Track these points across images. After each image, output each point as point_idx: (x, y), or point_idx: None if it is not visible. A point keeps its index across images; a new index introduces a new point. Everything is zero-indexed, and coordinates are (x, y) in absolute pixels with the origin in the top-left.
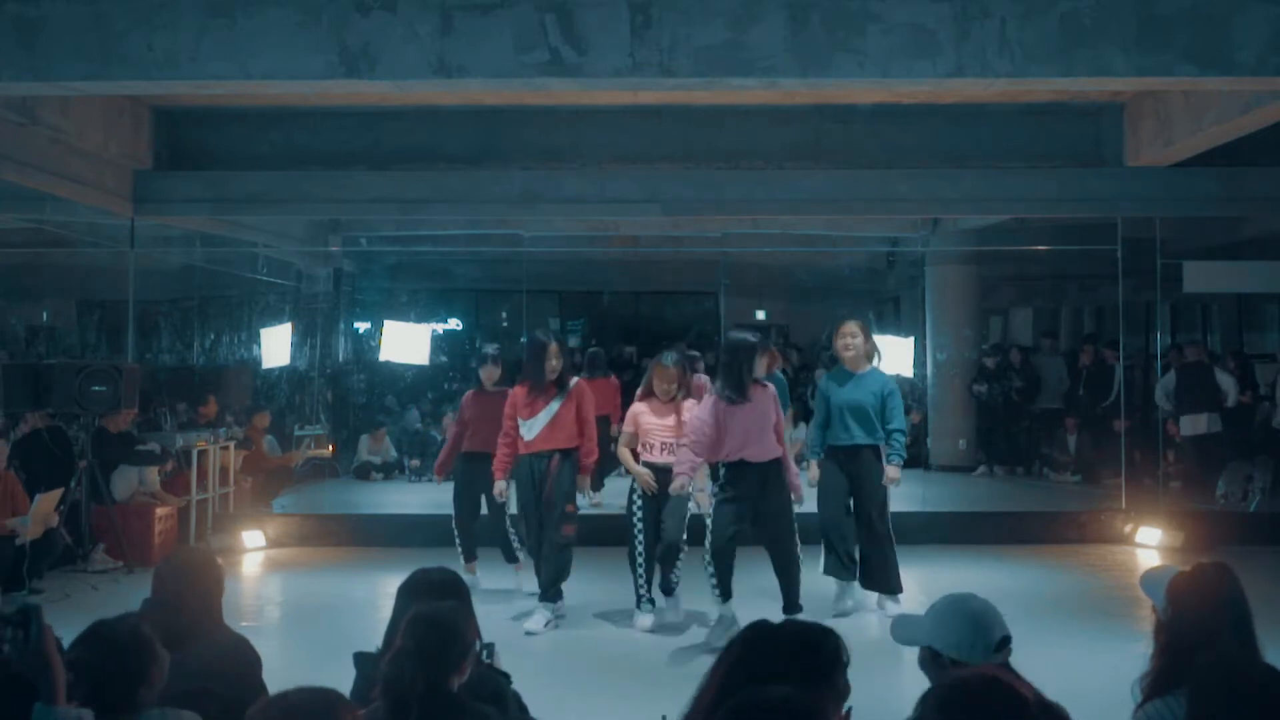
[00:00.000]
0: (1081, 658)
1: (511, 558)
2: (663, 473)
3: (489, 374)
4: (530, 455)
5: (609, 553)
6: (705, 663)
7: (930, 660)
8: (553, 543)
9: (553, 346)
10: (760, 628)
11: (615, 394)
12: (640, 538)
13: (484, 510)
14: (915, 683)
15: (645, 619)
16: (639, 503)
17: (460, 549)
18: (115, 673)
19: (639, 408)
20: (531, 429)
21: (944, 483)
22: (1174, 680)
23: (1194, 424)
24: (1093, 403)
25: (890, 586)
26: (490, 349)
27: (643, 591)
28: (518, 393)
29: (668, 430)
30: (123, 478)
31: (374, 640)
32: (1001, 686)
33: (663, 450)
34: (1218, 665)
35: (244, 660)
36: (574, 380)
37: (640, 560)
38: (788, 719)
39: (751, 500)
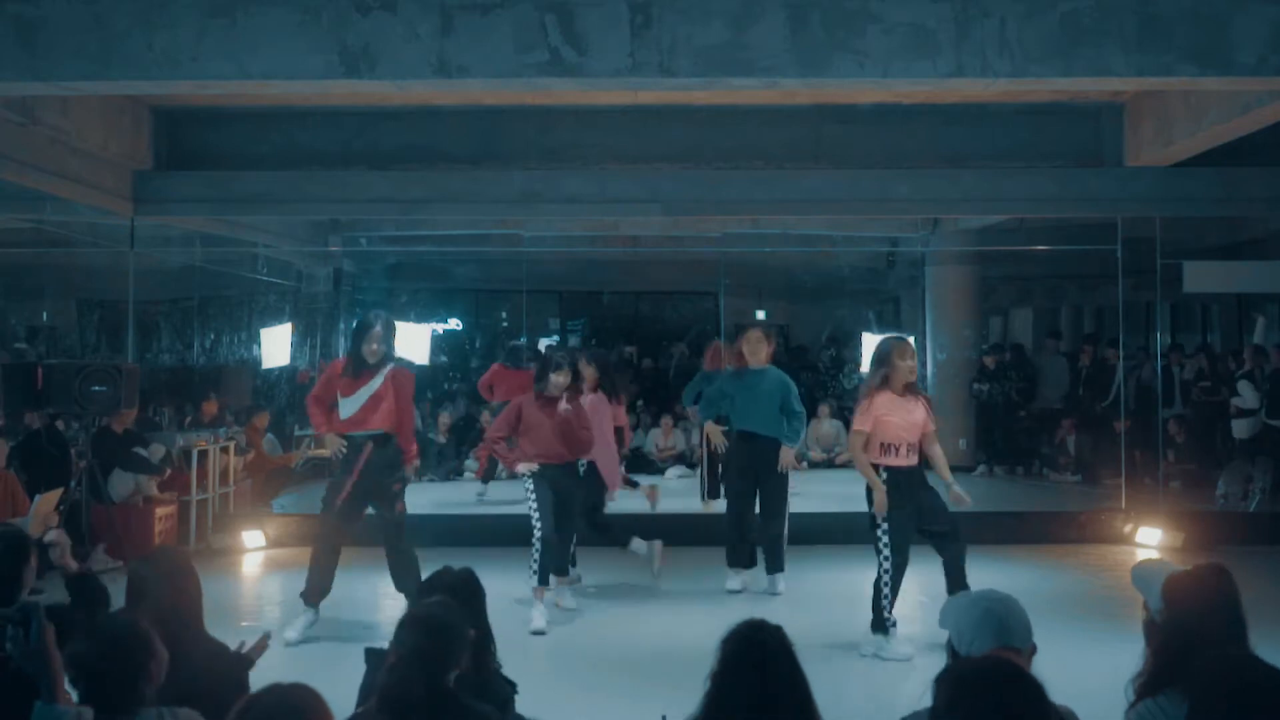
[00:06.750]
0: (1081, 658)
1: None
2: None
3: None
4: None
5: (608, 552)
6: (704, 663)
7: (948, 645)
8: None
9: (375, 330)
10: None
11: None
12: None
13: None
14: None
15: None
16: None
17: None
18: (115, 669)
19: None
20: (348, 408)
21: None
22: (1167, 681)
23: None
24: (1093, 403)
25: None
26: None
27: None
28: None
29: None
30: (120, 478)
31: (373, 640)
32: (1017, 671)
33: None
34: (1220, 665)
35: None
36: (390, 366)
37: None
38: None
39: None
